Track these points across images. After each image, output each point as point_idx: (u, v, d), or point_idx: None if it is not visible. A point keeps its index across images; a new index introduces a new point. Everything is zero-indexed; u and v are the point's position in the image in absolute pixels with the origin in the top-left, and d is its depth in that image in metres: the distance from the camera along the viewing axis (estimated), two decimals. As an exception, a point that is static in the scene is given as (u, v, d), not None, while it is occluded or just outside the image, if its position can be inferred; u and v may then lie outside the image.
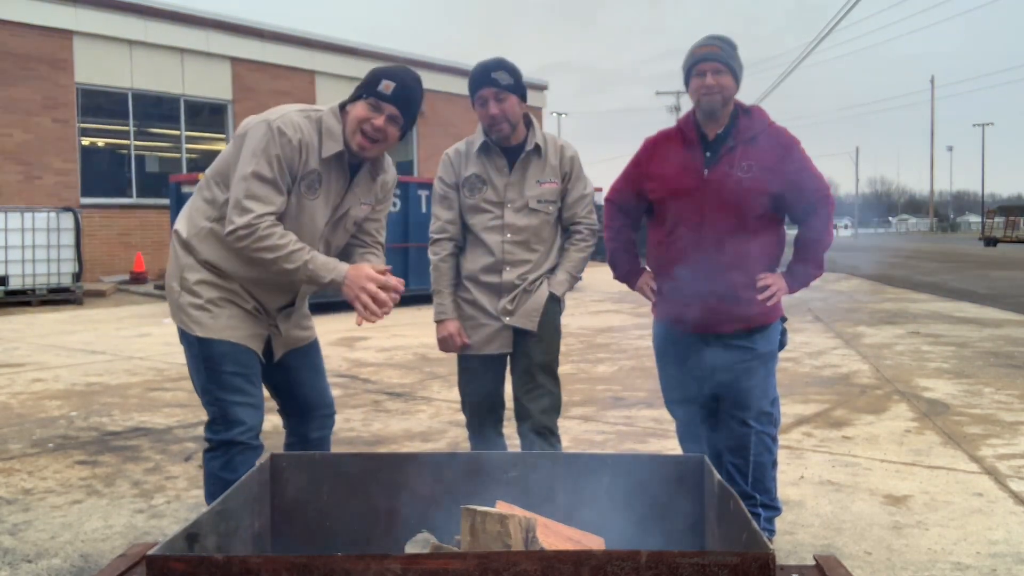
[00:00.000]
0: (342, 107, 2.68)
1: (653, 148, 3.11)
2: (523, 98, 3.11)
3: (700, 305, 2.97)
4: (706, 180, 2.93)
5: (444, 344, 3.22)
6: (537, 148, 3.16)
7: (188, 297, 2.67)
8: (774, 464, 3.10)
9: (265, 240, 2.51)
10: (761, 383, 3.01)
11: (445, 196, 3.23)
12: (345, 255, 2.85)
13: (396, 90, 2.60)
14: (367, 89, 2.62)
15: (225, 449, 2.60)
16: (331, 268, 2.56)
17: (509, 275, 3.16)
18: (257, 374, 2.70)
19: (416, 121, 2.74)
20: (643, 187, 3.08)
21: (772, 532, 3.12)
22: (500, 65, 3.07)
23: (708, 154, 2.95)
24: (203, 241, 2.67)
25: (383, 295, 2.56)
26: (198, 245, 2.68)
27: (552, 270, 3.23)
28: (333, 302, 8.39)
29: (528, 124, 3.17)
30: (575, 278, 3.26)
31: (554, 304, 3.20)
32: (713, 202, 2.90)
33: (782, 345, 3.12)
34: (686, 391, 3.10)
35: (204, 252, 2.67)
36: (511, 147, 3.16)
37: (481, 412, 3.28)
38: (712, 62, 2.89)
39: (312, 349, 2.94)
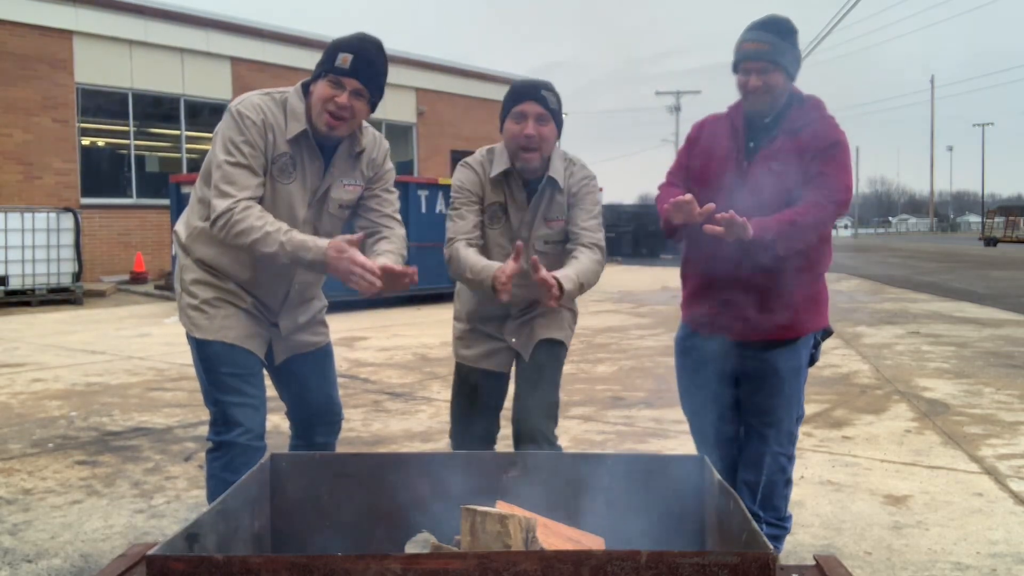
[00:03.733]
0: (306, 86, 2.59)
1: (700, 132, 2.91)
2: (560, 132, 2.82)
3: (726, 309, 2.79)
4: (745, 173, 2.72)
5: (504, 274, 2.56)
6: (553, 182, 2.84)
7: (187, 298, 2.67)
8: (787, 483, 2.94)
9: (241, 223, 2.42)
10: (786, 402, 2.83)
11: (470, 203, 2.85)
12: (363, 250, 2.69)
13: (355, 63, 2.48)
14: (325, 65, 2.51)
15: (226, 450, 2.58)
16: (309, 247, 2.40)
17: (516, 312, 2.95)
18: (256, 375, 2.67)
19: (384, 89, 2.58)
20: (690, 172, 2.88)
21: (777, 551, 2.98)
22: (550, 86, 2.78)
23: (751, 144, 2.75)
24: (197, 240, 2.66)
25: (369, 263, 2.37)
26: (193, 245, 2.68)
27: None
28: (334, 302, 8.35)
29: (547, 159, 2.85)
30: (583, 284, 2.71)
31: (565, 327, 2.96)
32: (748, 197, 2.66)
33: (813, 360, 2.90)
34: (704, 398, 2.93)
35: (199, 251, 2.66)
36: (533, 178, 2.85)
37: (471, 434, 2.98)
38: (758, 61, 2.65)
39: (322, 355, 2.89)
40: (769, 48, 2.65)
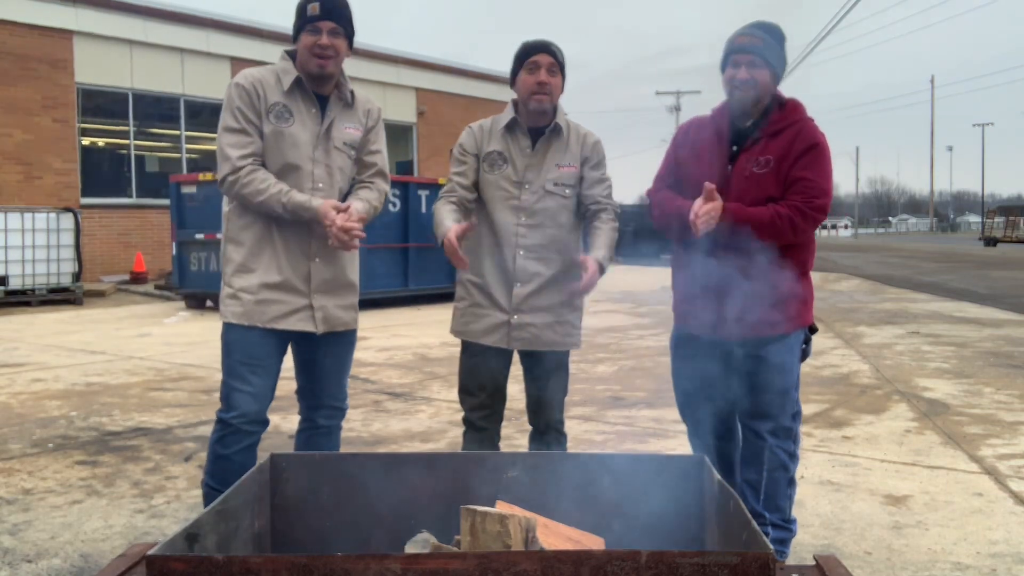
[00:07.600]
0: (291, 54, 2.94)
1: (686, 135, 2.97)
2: (563, 88, 3.12)
3: (717, 309, 2.81)
4: (729, 176, 2.78)
5: (449, 249, 2.82)
6: (558, 128, 3.08)
7: (226, 288, 2.93)
8: (791, 482, 2.94)
9: (247, 186, 2.78)
10: (779, 396, 2.86)
11: (463, 161, 3.12)
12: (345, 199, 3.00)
13: (323, 7, 2.85)
14: (300, 21, 2.88)
15: (222, 426, 2.85)
16: (307, 207, 2.78)
17: (523, 261, 3.04)
18: (265, 367, 2.86)
19: (353, 26, 2.93)
20: (678, 174, 2.95)
21: (784, 555, 2.95)
22: (556, 45, 3.09)
23: (735, 148, 2.82)
24: (230, 216, 2.93)
25: (347, 224, 2.76)
26: (230, 217, 2.93)
27: (568, 268, 3.07)
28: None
29: (554, 109, 3.11)
30: (611, 255, 3.04)
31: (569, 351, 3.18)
32: (733, 199, 2.73)
33: (805, 355, 2.95)
34: (701, 400, 2.95)
35: (231, 228, 2.92)
36: (537, 128, 3.09)
37: (482, 406, 3.11)
38: (748, 54, 2.73)
39: (346, 340, 3.05)
40: (761, 43, 2.75)
